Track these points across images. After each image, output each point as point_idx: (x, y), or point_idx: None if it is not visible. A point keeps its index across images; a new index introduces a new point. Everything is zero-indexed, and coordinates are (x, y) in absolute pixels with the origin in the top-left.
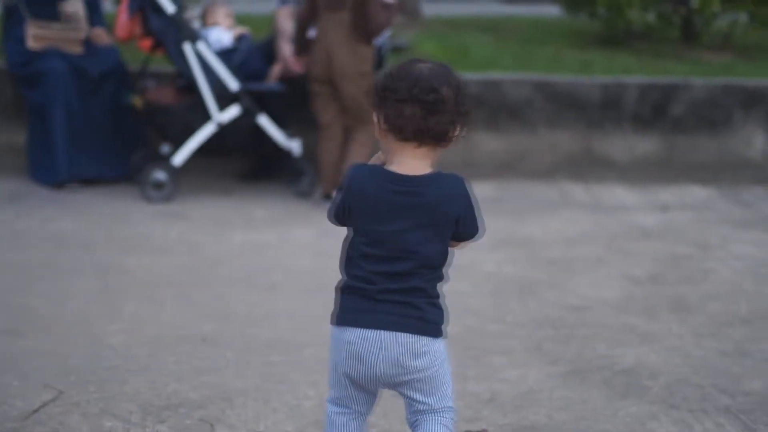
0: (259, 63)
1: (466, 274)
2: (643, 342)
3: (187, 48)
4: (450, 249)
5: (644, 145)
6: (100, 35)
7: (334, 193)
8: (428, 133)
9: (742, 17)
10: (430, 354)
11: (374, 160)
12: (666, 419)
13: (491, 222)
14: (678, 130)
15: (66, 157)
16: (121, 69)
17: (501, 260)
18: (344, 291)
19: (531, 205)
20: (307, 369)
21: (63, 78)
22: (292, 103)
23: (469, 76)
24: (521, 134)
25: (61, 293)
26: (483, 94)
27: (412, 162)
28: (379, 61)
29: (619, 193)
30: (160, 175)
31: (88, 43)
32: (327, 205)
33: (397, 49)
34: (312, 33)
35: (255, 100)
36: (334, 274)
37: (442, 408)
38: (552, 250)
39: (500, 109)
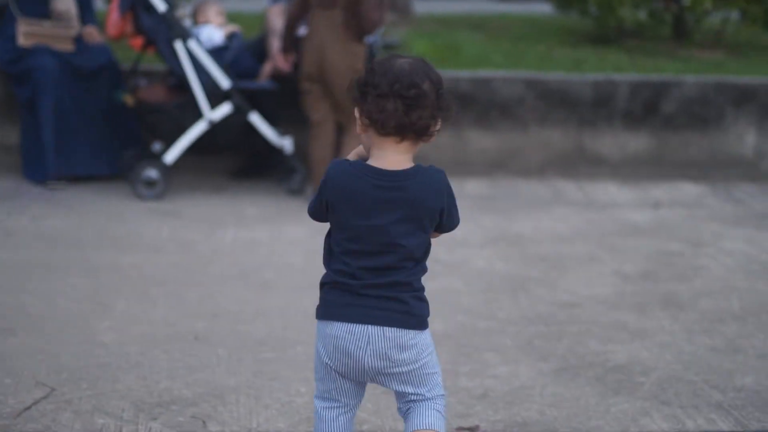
0: (250, 61)
1: (458, 272)
2: (634, 338)
3: (179, 46)
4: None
5: (636, 142)
6: (92, 33)
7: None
8: (410, 127)
9: (734, 15)
10: (417, 347)
11: (353, 156)
12: (658, 415)
13: (483, 220)
14: (669, 127)
15: (54, 155)
16: (113, 67)
17: (493, 257)
18: (328, 286)
19: (523, 203)
20: (299, 366)
21: (52, 75)
22: (284, 100)
23: (460, 73)
24: (513, 132)
25: (53, 291)
26: (474, 92)
27: (393, 156)
28: (370, 59)
29: (611, 191)
30: (151, 172)
31: (79, 41)
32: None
33: (388, 47)
34: (302, 31)
35: (246, 98)
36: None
37: (433, 396)
38: (543, 247)
39: (492, 107)
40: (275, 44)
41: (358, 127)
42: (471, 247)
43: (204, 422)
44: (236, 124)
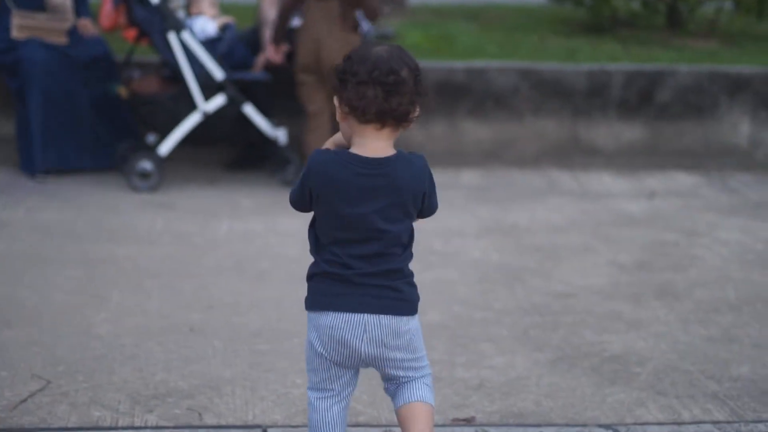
0: (243, 52)
1: (453, 262)
2: (630, 329)
3: (172, 37)
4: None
5: (630, 132)
6: (86, 26)
7: None
8: (390, 114)
9: (727, 4)
10: (410, 332)
11: (329, 144)
12: (654, 405)
13: (478, 210)
14: (664, 117)
15: (41, 148)
16: (108, 59)
17: (488, 248)
18: (319, 276)
19: (517, 193)
20: (294, 357)
21: (41, 67)
22: (278, 92)
23: (454, 64)
24: (507, 122)
25: (48, 283)
26: (469, 82)
27: (375, 144)
28: None
29: (606, 181)
30: (146, 164)
31: (74, 33)
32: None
33: (382, 38)
34: (295, 22)
35: (240, 89)
36: None
37: (422, 375)
38: (539, 238)
39: (486, 98)
40: (269, 35)
41: (338, 115)
42: (466, 237)
43: (200, 414)
44: (230, 115)
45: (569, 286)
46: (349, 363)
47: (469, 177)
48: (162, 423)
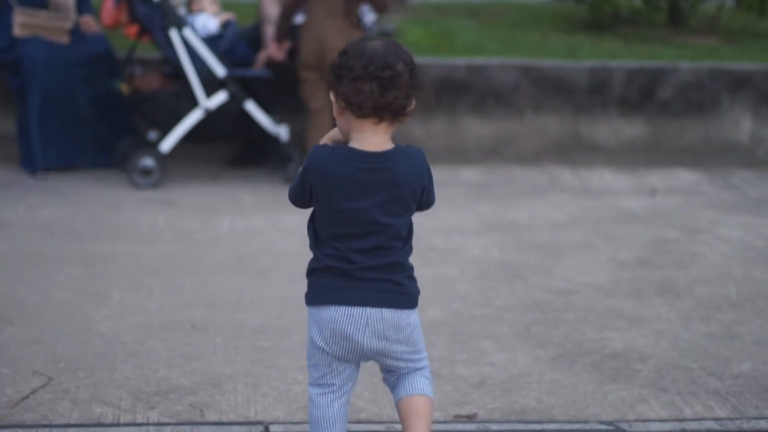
0: (245, 49)
1: (454, 259)
2: (631, 326)
3: (174, 34)
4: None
5: (631, 129)
6: (89, 23)
7: None
8: (387, 108)
9: (729, 1)
10: (411, 325)
11: (326, 140)
12: (655, 402)
13: (479, 207)
14: (665, 114)
15: (40, 146)
16: (109, 56)
17: (489, 245)
18: (319, 271)
19: (518, 190)
20: (296, 354)
21: (42, 66)
22: (279, 89)
23: (455, 61)
24: (508, 119)
25: (49, 281)
26: (469, 79)
27: (373, 138)
28: None
29: (607, 178)
30: (147, 161)
31: (75, 31)
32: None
33: (383, 35)
34: (298, 19)
35: (242, 86)
36: None
37: (422, 367)
38: (539, 235)
39: (487, 95)
40: (270, 32)
41: (334, 111)
42: (467, 234)
43: (202, 411)
44: (232, 112)
45: (570, 283)
46: (350, 357)
47: (470, 174)
48: (164, 419)
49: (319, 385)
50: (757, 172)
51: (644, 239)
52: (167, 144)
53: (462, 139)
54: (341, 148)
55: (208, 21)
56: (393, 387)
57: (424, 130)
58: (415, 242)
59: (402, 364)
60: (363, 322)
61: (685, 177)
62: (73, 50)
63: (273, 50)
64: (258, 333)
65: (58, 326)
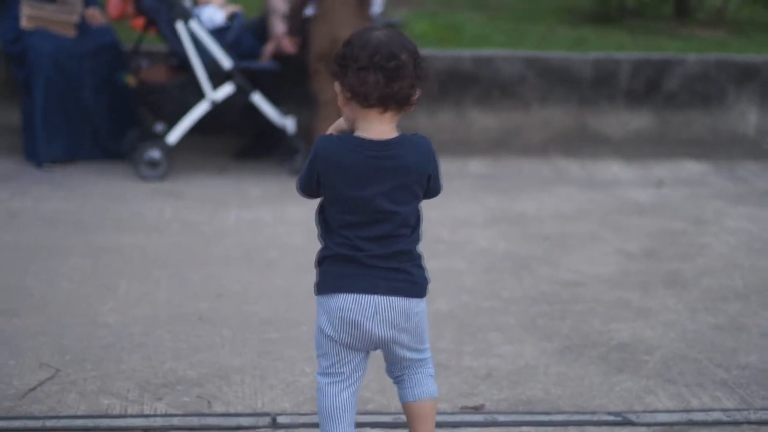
0: (251, 41)
1: (461, 251)
2: (638, 317)
3: (180, 27)
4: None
5: (638, 120)
6: (95, 15)
7: None
8: (392, 98)
9: None
10: (419, 314)
11: (333, 129)
12: (663, 394)
13: (485, 199)
14: (672, 105)
15: (46, 138)
16: (116, 48)
17: (495, 237)
18: (329, 259)
19: (525, 182)
20: (303, 345)
21: (48, 58)
22: (286, 81)
23: (461, 53)
24: (514, 111)
25: (56, 273)
26: (476, 71)
27: (379, 127)
28: None
29: (613, 169)
30: (154, 153)
31: (82, 23)
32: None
33: (390, 27)
34: (308, 11)
35: (248, 78)
36: None
37: (425, 358)
38: (546, 226)
39: (493, 86)
40: (277, 24)
41: (339, 101)
42: (474, 226)
43: (209, 402)
44: (238, 104)
45: (577, 275)
46: (359, 345)
47: (476, 166)
48: (171, 411)
49: (328, 374)
50: (764, 163)
51: (651, 231)
52: (174, 136)
53: (468, 131)
54: (347, 137)
55: (215, 13)
56: (398, 384)
57: (431, 122)
58: (421, 234)
59: (408, 354)
60: (372, 309)
61: (692, 168)
62: (80, 43)
63: (286, 44)
64: (265, 325)
65: (64, 318)
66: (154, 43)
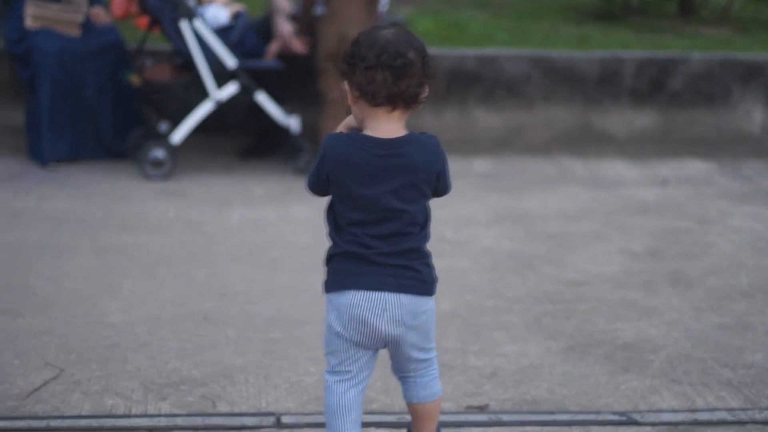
0: (255, 41)
1: (465, 250)
2: (643, 316)
3: (184, 26)
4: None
5: (642, 119)
6: (99, 14)
7: None
8: (400, 96)
9: None
10: (427, 312)
11: (342, 128)
12: (668, 393)
13: (489, 198)
14: (676, 104)
15: (50, 138)
16: (120, 47)
17: (499, 236)
18: (339, 257)
19: (529, 181)
20: (307, 345)
21: (52, 58)
22: (290, 80)
23: (465, 52)
24: (518, 110)
25: (60, 272)
26: (480, 70)
27: (387, 126)
28: None
29: (618, 168)
30: (158, 153)
31: (86, 22)
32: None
33: (394, 25)
34: (318, 10)
35: (252, 77)
36: None
37: (431, 358)
38: (550, 226)
39: (497, 85)
40: (282, 24)
41: (348, 99)
42: (477, 225)
43: (213, 402)
44: (243, 103)
45: (581, 274)
46: (368, 342)
47: (481, 165)
48: (175, 411)
49: (336, 372)
50: None
51: (655, 230)
52: (178, 135)
53: (473, 130)
54: (356, 135)
55: (219, 12)
56: (403, 383)
57: (436, 121)
58: (429, 232)
59: (414, 353)
60: (381, 306)
61: (697, 167)
62: (84, 42)
63: (296, 44)
64: (269, 324)
65: (69, 317)
66: (158, 43)
